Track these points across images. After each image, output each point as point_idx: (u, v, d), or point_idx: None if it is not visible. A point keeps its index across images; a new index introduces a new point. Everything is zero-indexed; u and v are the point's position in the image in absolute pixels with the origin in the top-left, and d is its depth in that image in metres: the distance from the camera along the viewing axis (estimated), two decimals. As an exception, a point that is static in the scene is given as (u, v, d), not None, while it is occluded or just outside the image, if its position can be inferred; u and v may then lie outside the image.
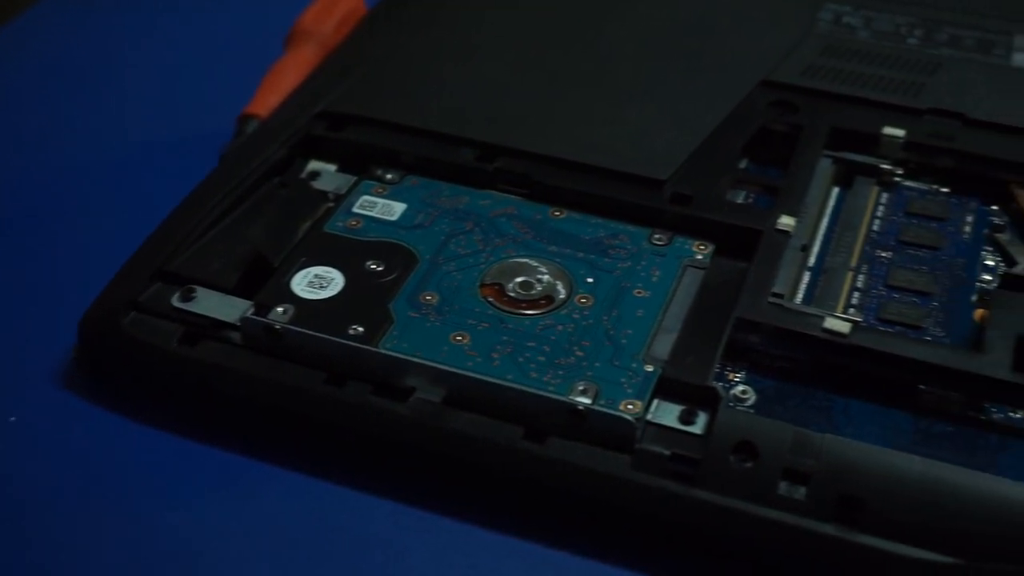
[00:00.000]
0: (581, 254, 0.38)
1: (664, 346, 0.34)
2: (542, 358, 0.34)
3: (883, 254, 0.39)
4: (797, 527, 0.30)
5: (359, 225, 0.39)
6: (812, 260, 0.38)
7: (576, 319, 0.35)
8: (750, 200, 0.41)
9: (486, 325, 0.35)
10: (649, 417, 0.32)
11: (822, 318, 0.34)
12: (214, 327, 0.36)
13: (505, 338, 0.34)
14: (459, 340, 0.34)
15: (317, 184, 0.41)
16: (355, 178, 0.41)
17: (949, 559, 0.30)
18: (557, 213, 0.39)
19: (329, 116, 0.43)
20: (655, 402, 0.33)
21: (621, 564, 0.32)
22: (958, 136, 0.42)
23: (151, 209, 0.39)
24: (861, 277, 0.38)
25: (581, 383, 0.33)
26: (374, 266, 0.37)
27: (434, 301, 0.36)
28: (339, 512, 0.33)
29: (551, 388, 0.33)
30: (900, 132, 0.41)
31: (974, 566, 0.29)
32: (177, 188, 0.40)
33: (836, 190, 0.42)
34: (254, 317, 0.35)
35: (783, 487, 0.31)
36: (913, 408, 0.34)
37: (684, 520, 0.31)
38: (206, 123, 0.47)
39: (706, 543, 0.31)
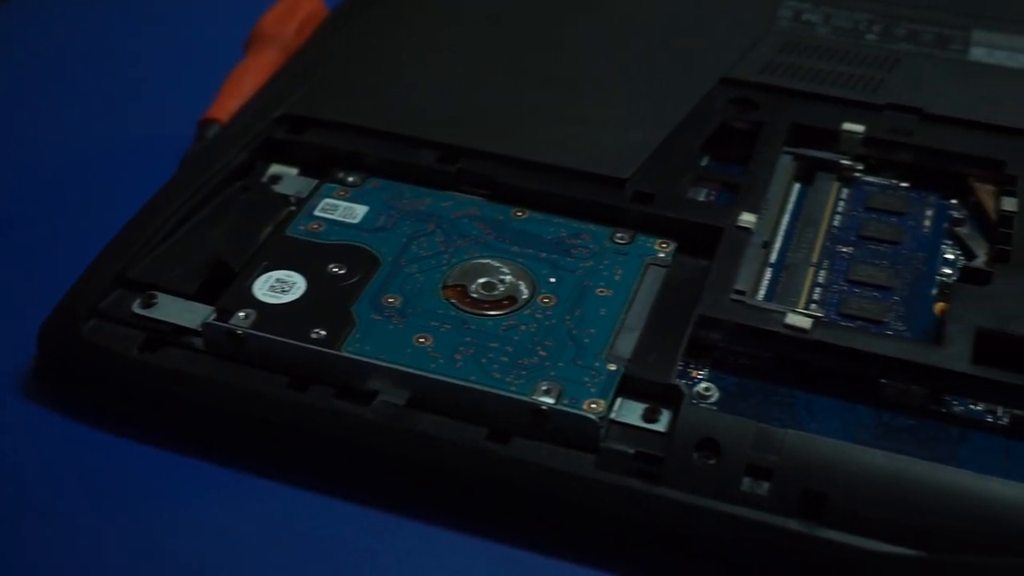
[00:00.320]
0: (543, 254, 0.38)
1: (627, 345, 0.34)
2: (505, 359, 0.34)
3: (844, 249, 0.39)
4: (761, 523, 0.31)
5: (321, 228, 0.39)
6: (774, 256, 0.39)
7: (539, 319, 0.35)
8: (711, 198, 0.41)
9: (449, 326, 0.35)
10: (613, 416, 0.33)
11: (784, 314, 0.35)
12: (175, 333, 0.35)
13: (468, 339, 0.34)
14: (422, 342, 0.34)
15: (278, 188, 0.41)
16: (316, 181, 0.41)
17: (912, 552, 0.30)
18: (519, 213, 0.39)
19: (290, 119, 0.43)
20: (618, 401, 0.33)
21: (587, 563, 0.32)
22: (917, 131, 0.42)
23: (111, 215, 0.39)
24: (822, 273, 0.38)
25: (544, 383, 0.33)
26: (336, 269, 0.37)
27: (397, 303, 0.36)
28: (305, 516, 0.33)
29: (514, 388, 0.33)
30: (860, 128, 0.42)
31: (937, 559, 0.30)
32: (137, 194, 0.40)
33: (797, 186, 0.42)
34: (216, 323, 0.35)
35: (746, 483, 0.31)
36: (875, 402, 0.34)
37: (649, 518, 0.31)
38: (166, 128, 0.47)
39: (671, 540, 0.31)
